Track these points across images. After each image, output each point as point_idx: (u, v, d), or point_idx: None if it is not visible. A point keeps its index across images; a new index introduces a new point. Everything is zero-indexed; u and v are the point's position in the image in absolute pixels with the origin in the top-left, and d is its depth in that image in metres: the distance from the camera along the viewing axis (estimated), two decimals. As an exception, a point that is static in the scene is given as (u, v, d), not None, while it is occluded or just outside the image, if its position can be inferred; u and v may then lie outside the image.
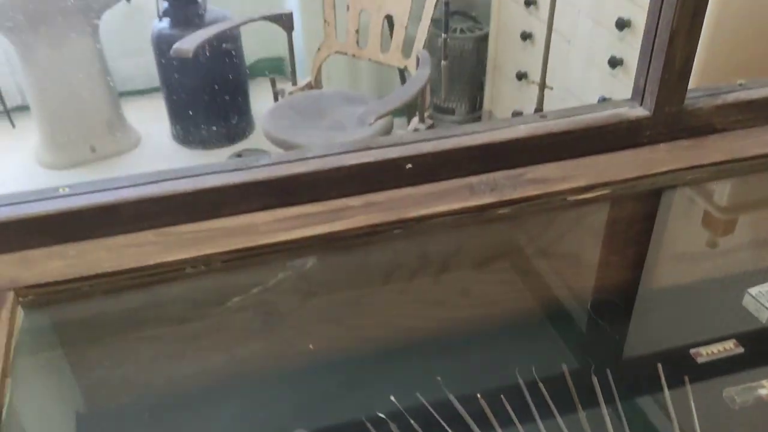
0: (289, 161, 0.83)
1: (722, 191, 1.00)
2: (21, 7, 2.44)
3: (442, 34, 2.35)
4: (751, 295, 0.87)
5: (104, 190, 0.78)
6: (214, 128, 2.90)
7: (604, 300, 1.01)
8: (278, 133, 1.97)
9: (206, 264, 0.77)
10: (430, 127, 2.05)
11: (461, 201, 0.86)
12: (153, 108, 3.04)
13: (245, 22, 2.22)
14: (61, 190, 0.77)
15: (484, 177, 0.88)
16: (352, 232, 0.82)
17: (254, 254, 0.79)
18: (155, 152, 2.88)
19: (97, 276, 0.74)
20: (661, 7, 0.85)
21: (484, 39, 2.79)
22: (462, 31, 2.80)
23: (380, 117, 1.66)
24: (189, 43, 1.89)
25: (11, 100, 2.94)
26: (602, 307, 1.00)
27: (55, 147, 2.76)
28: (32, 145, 2.80)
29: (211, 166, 0.80)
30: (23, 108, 2.81)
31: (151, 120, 3.00)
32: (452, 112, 2.93)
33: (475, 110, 2.96)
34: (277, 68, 3.46)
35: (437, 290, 0.97)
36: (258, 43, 3.19)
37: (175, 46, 1.89)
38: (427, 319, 0.96)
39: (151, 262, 0.76)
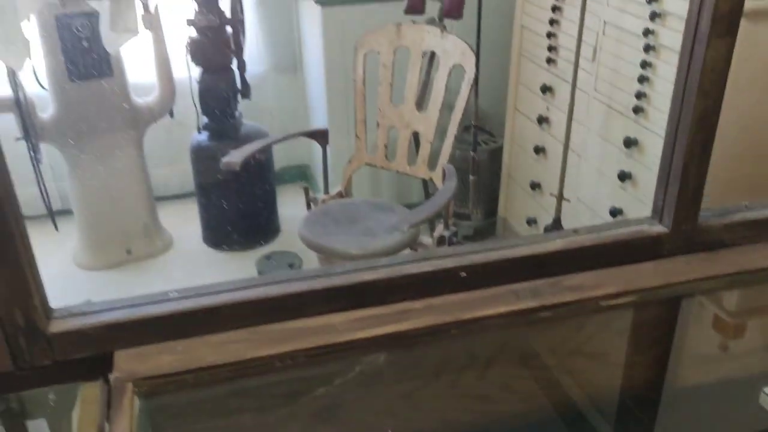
0: (360, 270, 0.97)
1: (734, 299, 1.13)
2: (75, 123, 2.66)
3: (471, 153, 2.55)
4: (766, 394, 0.97)
5: (207, 294, 0.91)
6: (244, 232, 3.06)
7: (632, 396, 1.11)
8: (314, 238, 2.12)
9: (292, 358, 0.89)
10: (454, 234, 2.20)
11: (507, 305, 0.99)
12: (185, 212, 3.22)
13: (287, 138, 2.43)
14: (170, 294, 0.90)
15: (526, 284, 1.01)
16: (415, 332, 0.94)
17: (332, 350, 0.91)
18: (187, 254, 3.03)
19: (200, 369, 0.86)
20: (674, 142, 1.01)
21: (498, 151, 3.00)
22: (478, 143, 3.01)
23: (413, 226, 1.81)
24: (237, 156, 2.08)
25: (53, 204, 3.12)
26: (630, 403, 1.10)
27: (93, 249, 2.91)
28: (71, 247, 2.95)
29: (295, 273, 0.93)
30: (64, 212, 2.99)
31: (183, 223, 3.17)
32: (468, 217, 3.09)
33: (490, 216, 3.13)
34: (302, 175, 3.67)
35: (484, 385, 1.07)
36: (283, 152, 3.40)
37: (224, 159, 2.08)
38: (474, 412, 1.06)
39: (246, 356, 0.88)
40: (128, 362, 0.85)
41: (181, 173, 3.28)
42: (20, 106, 2.55)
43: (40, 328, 0.82)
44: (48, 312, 0.84)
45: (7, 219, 0.77)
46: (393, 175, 2.67)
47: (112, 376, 0.84)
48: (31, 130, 2.61)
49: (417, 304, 0.97)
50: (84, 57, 2.59)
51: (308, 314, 0.93)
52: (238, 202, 3.00)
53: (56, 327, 0.84)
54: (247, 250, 3.06)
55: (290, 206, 3.29)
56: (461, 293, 0.99)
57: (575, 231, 1.06)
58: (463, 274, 0.98)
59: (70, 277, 2.88)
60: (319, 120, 3.21)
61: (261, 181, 3.02)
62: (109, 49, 2.39)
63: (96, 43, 2.53)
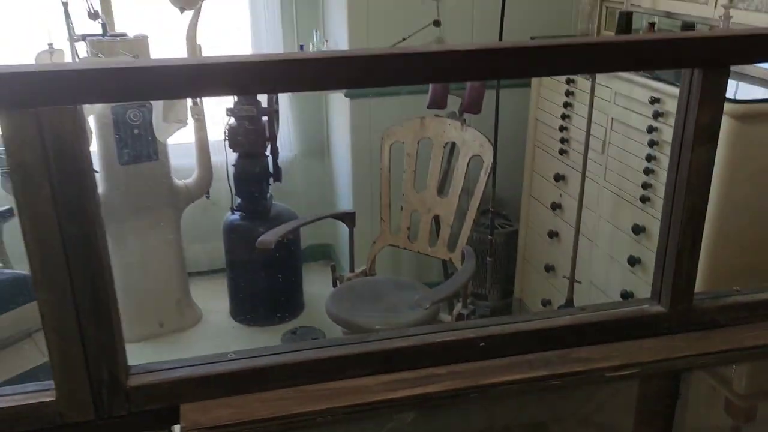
0: (392, 338, 1.10)
1: (729, 373, 1.24)
2: (121, 202, 2.87)
3: (489, 236, 2.70)
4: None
5: (259, 356, 1.04)
6: (271, 307, 3.20)
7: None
8: (341, 313, 2.25)
9: (332, 414, 1.02)
10: (471, 312, 2.32)
11: (522, 373, 1.11)
12: (215, 287, 3.37)
13: (317, 219, 2.60)
14: (229, 356, 1.04)
15: (539, 355, 1.14)
16: (439, 394, 1.07)
17: (366, 408, 1.03)
18: (215, 328, 3.16)
19: (253, 422, 0.98)
20: (668, 233, 1.15)
21: (513, 234, 3.15)
22: (495, 227, 3.17)
23: (435, 303, 1.94)
24: (271, 236, 2.25)
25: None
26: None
27: (127, 321, 3.02)
28: (107, 318, 3.10)
29: (335, 340, 1.07)
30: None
31: (212, 298, 3.32)
32: (485, 297, 3.21)
33: (506, 297, 3.25)
34: (325, 254, 3.83)
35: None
36: (308, 231, 3.58)
37: (260, 239, 2.25)
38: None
39: (293, 412, 1.00)
40: (193, 414, 0.98)
41: (212, 250, 3.46)
42: (71, 186, 2.77)
43: (120, 382, 0.96)
44: (127, 368, 0.98)
45: (106, 289, 0.92)
46: (413, 254, 2.82)
47: (178, 427, 0.96)
48: (79, 208, 2.81)
49: (441, 370, 1.09)
50: (134, 143, 2.82)
51: (346, 376, 1.06)
52: (267, 279, 3.15)
53: (133, 381, 0.98)
54: (272, 325, 3.19)
55: (314, 283, 3.44)
56: (480, 361, 1.11)
57: (582, 308, 1.19)
58: (482, 344, 1.11)
59: (103, 348, 3.01)
60: (343, 202, 3.40)
61: (289, 259, 3.18)
62: (160, 137, 2.62)
63: (146, 131, 2.77)
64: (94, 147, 2.81)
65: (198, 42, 2.99)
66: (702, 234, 1.17)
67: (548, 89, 2.76)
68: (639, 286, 2.30)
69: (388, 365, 1.08)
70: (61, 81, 0.83)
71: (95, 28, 2.87)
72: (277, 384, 1.04)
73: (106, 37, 2.78)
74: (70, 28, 2.77)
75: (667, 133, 2.11)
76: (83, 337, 0.93)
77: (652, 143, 2.16)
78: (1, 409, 0.95)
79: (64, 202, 0.87)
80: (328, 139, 3.67)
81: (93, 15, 2.59)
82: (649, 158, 2.18)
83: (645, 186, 2.20)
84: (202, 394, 1.00)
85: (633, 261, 2.29)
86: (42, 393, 0.95)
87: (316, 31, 3.29)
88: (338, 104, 3.32)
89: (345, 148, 3.23)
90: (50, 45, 2.80)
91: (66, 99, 0.84)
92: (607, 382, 1.15)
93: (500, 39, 2.60)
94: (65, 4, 2.74)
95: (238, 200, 3.14)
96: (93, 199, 0.90)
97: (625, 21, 2.44)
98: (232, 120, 3.06)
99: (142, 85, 0.86)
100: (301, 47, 3.30)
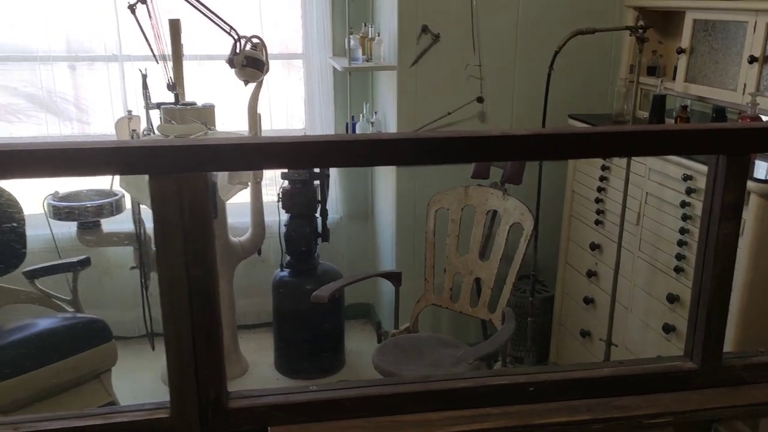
0: (454, 378, 1.25)
1: (755, 425, 1.35)
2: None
3: (530, 298, 2.84)
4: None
5: (337, 389, 1.20)
6: (314, 361, 3.34)
7: None
8: (386, 366, 2.39)
9: (399, 444, 1.16)
10: (510, 372, 2.44)
11: (567, 416, 1.25)
12: (261, 340, 3.54)
13: (366, 277, 2.78)
14: (311, 387, 1.20)
15: (583, 401, 1.27)
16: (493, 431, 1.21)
17: (430, 441, 1.17)
18: (260, 379, 3.30)
19: (331, 446, 1.14)
20: (698, 297, 1.30)
21: (549, 300, 3.27)
22: (537, 291, 3.29)
23: (477, 359, 2.08)
24: (325, 291, 2.43)
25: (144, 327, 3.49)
26: None
27: (179, 368, 3.21)
28: (161, 365, 3.27)
29: (403, 378, 1.23)
30: (158, 334, 3.34)
31: (258, 351, 3.47)
32: (521, 361, 3.31)
33: (541, 362, 3.34)
34: (363, 312, 3.98)
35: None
36: (349, 290, 3.74)
37: (315, 293, 2.43)
38: None
39: (364, 439, 1.15)
40: (281, 436, 1.13)
41: (260, 305, 3.65)
42: (139, 240, 3.00)
43: (223, 404, 1.13)
44: (227, 392, 1.15)
45: (217, 322, 1.10)
46: (451, 313, 2.95)
47: (267, 446, 1.12)
48: (145, 260, 3.03)
49: (495, 410, 1.24)
50: (197, 201, 3.05)
51: (412, 410, 1.21)
52: (311, 334, 3.30)
53: (233, 404, 1.14)
54: (315, 378, 3.32)
55: (354, 340, 3.58)
56: (530, 404, 1.25)
57: (620, 362, 1.33)
58: (531, 388, 1.25)
59: (155, 393, 3.17)
60: (385, 263, 3.57)
61: (333, 315, 3.34)
62: (223, 197, 2.84)
63: (210, 191, 3.01)
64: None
65: (258, 111, 3.26)
66: (729, 299, 1.32)
67: (585, 163, 2.94)
68: (673, 353, 2.40)
69: (449, 403, 1.23)
70: (197, 154, 1.03)
71: (167, 96, 3.16)
72: (351, 414, 1.19)
73: (178, 106, 3.06)
74: (146, 97, 3.06)
75: (699, 207, 2.26)
76: (197, 362, 1.10)
77: (685, 217, 2.31)
78: (121, 423, 1.11)
79: (193, 249, 1.06)
80: (372, 203, 3.88)
81: (172, 87, 2.88)
82: (683, 231, 2.32)
83: (679, 257, 2.34)
84: (287, 419, 1.16)
85: (668, 329, 2.40)
86: (158, 410, 1.11)
87: (366, 104, 3.54)
88: (384, 171, 3.54)
89: (389, 212, 3.42)
90: (129, 112, 3.09)
91: (201, 167, 1.04)
92: (643, 429, 1.28)
93: (544, 118, 2.81)
94: (144, 76, 3.03)
95: (288, 258, 3.33)
96: (212, 247, 1.09)
97: (659, 103, 2.63)
98: (286, 183, 3.28)
99: (254, 157, 1.05)
100: (353, 119, 3.55)
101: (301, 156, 1.08)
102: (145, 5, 2.72)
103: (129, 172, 1.09)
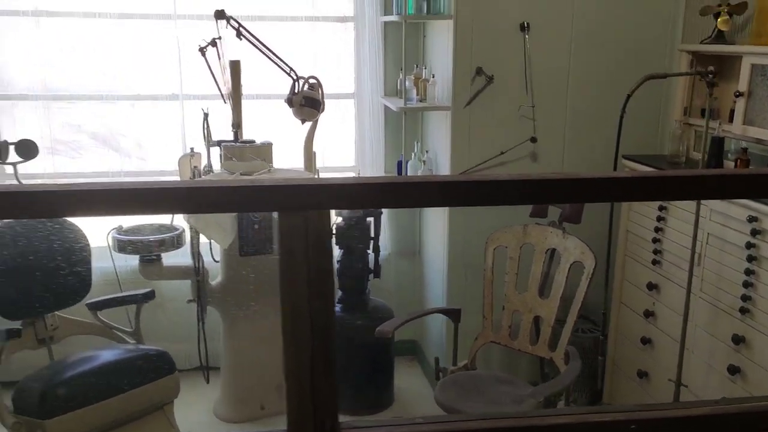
0: (549, 415, 1.27)
1: None
2: (237, 291, 3.14)
3: (601, 336, 2.83)
4: None
5: (442, 422, 1.22)
6: (363, 397, 3.34)
7: None
8: (449, 403, 2.40)
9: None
10: (572, 411, 2.43)
11: (668, 456, 1.25)
12: (310, 376, 3.54)
13: (427, 313, 2.80)
14: (417, 419, 1.22)
15: (681, 440, 1.28)
16: (595, 470, 1.21)
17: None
18: (311, 415, 3.30)
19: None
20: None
21: (598, 340, 3.25)
22: (582, 331, 3.28)
23: (546, 397, 2.08)
24: (389, 326, 2.45)
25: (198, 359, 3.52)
26: None
27: (232, 402, 3.24)
28: (214, 398, 3.29)
29: (498, 413, 1.24)
30: (212, 368, 3.37)
31: (308, 386, 3.47)
32: (576, 401, 3.28)
33: (594, 402, 3.30)
34: (410, 350, 3.98)
35: None
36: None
37: (379, 328, 2.46)
38: None
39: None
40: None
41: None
42: (197, 274, 3.06)
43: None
44: (339, 423, 1.18)
45: (333, 352, 1.13)
46: (505, 351, 2.95)
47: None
48: (202, 294, 3.09)
49: (597, 447, 1.25)
50: (254, 237, 3.12)
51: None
52: (362, 370, 3.31)
53: (342, 434, 1.17)
54: (363, 414, 3.31)
55: (401, 377, 3.57)
56: (631, 442, 1.26)
57: (716, 401, 1.34)
58: (633, 426, 1.26)
59: (206, 426, 3.19)
60: (434, 299, 3.58)
61: (384, 352, 3.35)
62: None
63: (266, 226, 3.07)
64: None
65: (314, 149, 3.34)
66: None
67: (641, 203, 2.96)
68: (739, 394, 2.37)
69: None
70: (322, 192, 1.08)
71: (224, 134, 3.26)
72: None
73: (237, 143, 3.15)
74: (207, 135, 3.16)
75: (764, 249, 2.26)
76: (313, 389, 1.13)
77: (750, 258, 2.31)
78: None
79: (315, 281, 1.10)
80: (420, 240, 3.91)
81: (236, 125, 2.97)
82: (748, 272, 2.32)
83: (744, 298, 2.33)
84: (396, 451, 1.18)
85: (733, 370, 2.38)
86: (274, 439, 1.14)
87: (417, 143, 3.61)
88: (435, 210, 3.58)
89: (440, 249, 3.45)
90: (192, 149, 3.18)
91: (325, 205, 1.09)
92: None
93: (616, 159, 2.84)
94: (206, 115, 3.14)
95: (340, 293, 3.37)
96: (331, 281, 1.13)
97: (718, 145, 2.66)
98: (340, 220, 3.34)
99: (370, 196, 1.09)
100: (401, 159, 3.61)
101: (406, 197, 1.09)
102: (215, 48, 2.83)
103: (259, 209, 1.15)
